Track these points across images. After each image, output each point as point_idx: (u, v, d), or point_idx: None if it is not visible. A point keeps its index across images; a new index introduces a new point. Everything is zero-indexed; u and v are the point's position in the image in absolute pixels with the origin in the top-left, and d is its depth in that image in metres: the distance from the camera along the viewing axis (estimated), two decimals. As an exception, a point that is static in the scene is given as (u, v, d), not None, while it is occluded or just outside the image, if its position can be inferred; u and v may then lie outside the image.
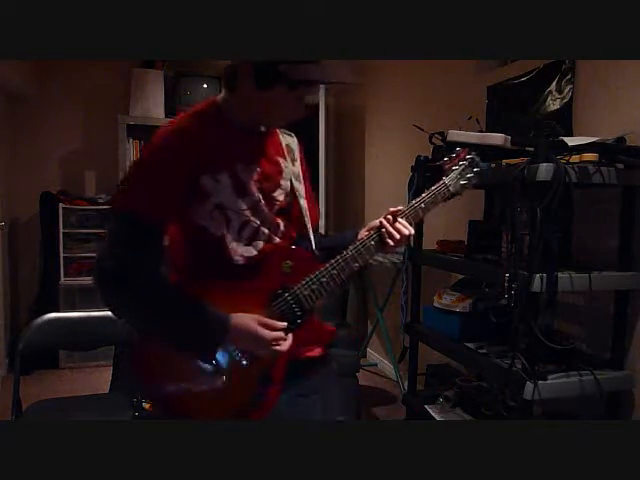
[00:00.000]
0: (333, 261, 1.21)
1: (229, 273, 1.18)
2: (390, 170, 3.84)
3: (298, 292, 1.19)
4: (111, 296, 1.11)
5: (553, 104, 2.23)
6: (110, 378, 2.94)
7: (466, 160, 1.33)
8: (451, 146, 2.00)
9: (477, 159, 1.34)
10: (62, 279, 3.82)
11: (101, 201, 3.96)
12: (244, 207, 1.18)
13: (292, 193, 1.28)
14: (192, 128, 1.14)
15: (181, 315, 1.12)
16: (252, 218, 1.19)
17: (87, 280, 3.88)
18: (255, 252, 1.20)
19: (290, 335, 1.17)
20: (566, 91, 2.16)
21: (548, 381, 1.70)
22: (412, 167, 2.45)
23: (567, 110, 2.15)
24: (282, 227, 1.25)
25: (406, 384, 2.70)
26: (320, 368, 1.30)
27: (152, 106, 3.96)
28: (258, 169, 1.20)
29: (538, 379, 1.69)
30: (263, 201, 1.20)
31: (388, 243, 1.25)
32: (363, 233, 1.29)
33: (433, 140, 2.21)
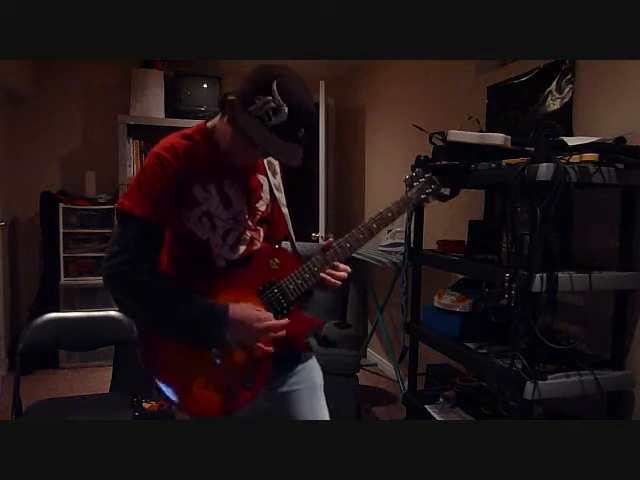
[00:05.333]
0: (314, 259, 1.34)
1: (213, 271, 1.32)
2: (390, 170, 3.84)
3: (284, 285, 1.33)
4: (120, 289, 1.23)
5: (553, 104, 2.23)
6: (110, 378, 2.95)
7: (425, 178, 1.48)
8: (453, 147, 2.00)
9: (434, 178, 1.49)
10: (62, 279, 3.82)
11: (101, 201, 3.96)
12: (229, 216, 1.33)
13: (273, 201, 1.44)
14: (185, 146, 1.27)
15: (183, 303, 1.23)
16: (235, 226, 1.35)
17: (87, 280, 3.88)
18: (237, 255, 1.35)
19: (279, 324, 1.29)
20: (566, 91, 2.16)
21: (548, 381, 1.70)
22: (412, 167, 2.45)
23: (567, 110, 2.15)
24: (262, 234, 1.41)
25: (406, 384, 2.70)
26: (303, 355, 1.44)
27: (152, 106, 3.96)
28: (242, 185, 1.36)
29: (538, 379, 1.69)
30: (247, 212, 1.37)
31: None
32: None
33: (433, 140, 2.21)
